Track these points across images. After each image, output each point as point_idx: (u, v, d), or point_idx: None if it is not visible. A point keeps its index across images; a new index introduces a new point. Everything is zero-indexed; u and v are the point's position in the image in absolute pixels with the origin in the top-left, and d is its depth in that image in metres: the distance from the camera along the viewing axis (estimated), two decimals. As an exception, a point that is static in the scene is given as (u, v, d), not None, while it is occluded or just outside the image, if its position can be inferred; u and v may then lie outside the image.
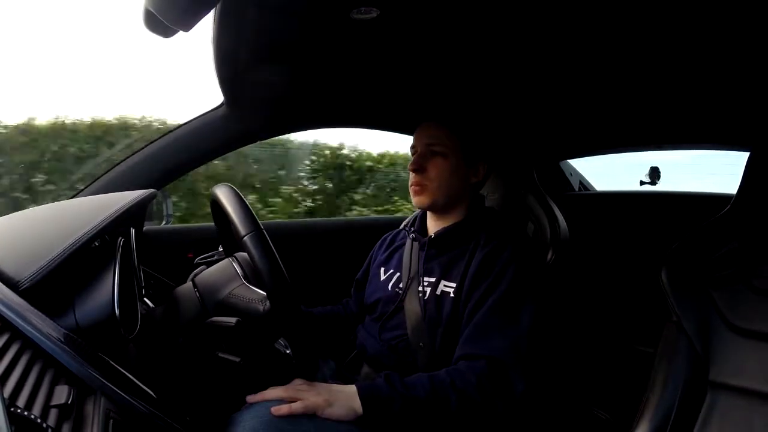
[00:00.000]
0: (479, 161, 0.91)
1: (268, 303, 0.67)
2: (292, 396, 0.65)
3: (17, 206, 2.26)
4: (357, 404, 0.66)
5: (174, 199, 1.84)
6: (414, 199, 0.90)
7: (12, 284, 0.49)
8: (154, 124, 2.65)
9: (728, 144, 1.17)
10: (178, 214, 2.37)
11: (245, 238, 0.62)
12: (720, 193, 1.22)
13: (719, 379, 0.66)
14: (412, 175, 0.89)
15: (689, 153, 1.38)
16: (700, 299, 0.70)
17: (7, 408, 0.32)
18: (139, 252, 0.76)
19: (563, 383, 1.22)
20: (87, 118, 2.53)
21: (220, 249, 0.94)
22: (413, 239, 0.93)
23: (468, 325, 0.78)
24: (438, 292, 0.84)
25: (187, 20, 0.50)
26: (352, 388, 0.68)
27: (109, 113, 2.56)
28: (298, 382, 0.68)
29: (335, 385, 0.70)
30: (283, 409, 0.63)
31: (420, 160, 0.88)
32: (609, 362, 1.26)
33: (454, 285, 0.82)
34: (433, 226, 0.93)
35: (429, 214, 0.94)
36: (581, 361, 1.29)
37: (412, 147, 0.92)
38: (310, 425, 0.64)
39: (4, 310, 0.45)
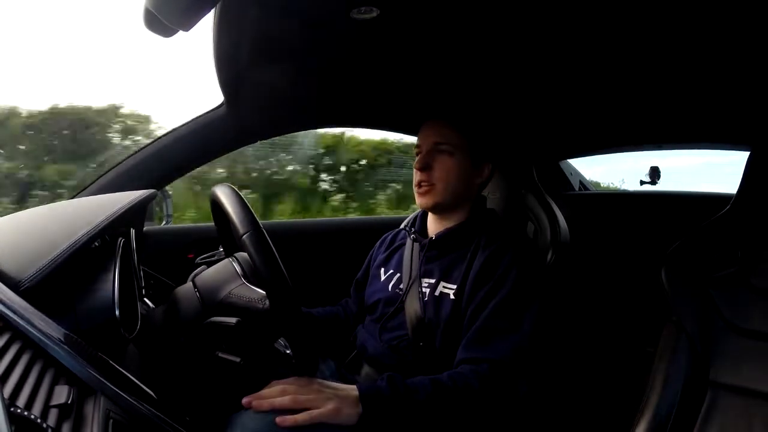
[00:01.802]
0: (485, 162, 0.90)
1: (267, 302, 0.66)
2: (298, 404, 0.64)
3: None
4: (359, 406, 0.66)
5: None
6: (419, 200, 0.89)
7: (12, 284, 0.49)
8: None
9: (728, 143, 1.17)
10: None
11: (244, 236, 0.62)
12: (720, 193, 1.22)
13: (719, 379, 0.66)
14: (417, 174, 0.88)
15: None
16: (700, 299, 0.70)
17: (7, 408, 0.32)
18: (139, 252, 0.76)
19: (563, 383, 1.22)
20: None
21: (221, 249, 0.94)
22: (414, 240, 0.93)
23: (470, 328, 0.77)
24: (437, 293, 0.84)
25: (187, 20, 0.50)
26: (354, 391, 0.67)
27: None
28: (302, 382, 0.66)
29: (338, 385, 0.69)
30: (288, 420, 0.61)
31: (426, 158, 0.87)
32: (609, 362, 1.26)
33: (454, 287, 0.82)
34: (434, 227, 0.92)
35: (430, 214, 0.94)
36: (581, 361, 1.29)
37: (417, 146, 0.91)
38: (310, 427, 0.64)
39: (5, 310, 0.45)
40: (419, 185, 0.88)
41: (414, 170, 0.89)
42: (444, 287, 0.84)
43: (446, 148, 0.86)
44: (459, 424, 0.71)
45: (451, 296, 0.82)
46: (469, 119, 0.89)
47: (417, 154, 0.90)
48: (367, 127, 1.40)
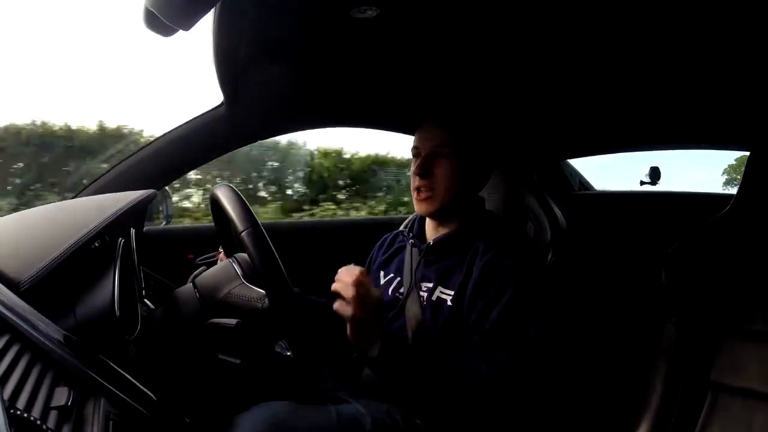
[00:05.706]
0: (484, 163, 0.88)
1: (266, 301, 0.67)
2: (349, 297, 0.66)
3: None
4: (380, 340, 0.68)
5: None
6: (419, 206, 0.85)
7: (12, 285, 0.49)
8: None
9: (728, 144, 1.17)
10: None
11: (243, 233, 0.62)
12: (720, 193, 1.22)
13: (720, 380, 0.66)
14: (415, 179, 0.84)
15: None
16: (700, 299, 0.70)
17: (6, 410, 0.32)
18: (139, 252, 0.76)
19: (564, 383, 1.22)
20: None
21: (221, 249, 0.94)
22: (412, 245, 0.92)
23: (473, 337, 0.77)
24: (434, 298, 0.83)
25: (187, 19, 0.50)
26: (381, 329, 0.69)
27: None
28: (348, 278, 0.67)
29: (375, 320, 0.69)
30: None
31: (426, 162, 0.83)
32: (609, 362, 1.26)
33: (451, 293, 0.81)
34: (432, 232, 0.90)
35: (428, 219, 0.91)
36: (581, 361, 1.29)
37: (414, 148, 0.87)
38: (310, 429, 0.65)
39: (5, 311, 0.44)
40: (418, 191, 0.84)
41: (412, 175, 0.86)
42: (441, 292, 0.83)
43: (446, 152, 0.83)
44: (463, 414, 0.71)
45: (449, 302, 0.80)
46: (466, 121, 0.87)
47: (415, 157, 0.87)
48: (367, 127, 1.40)
